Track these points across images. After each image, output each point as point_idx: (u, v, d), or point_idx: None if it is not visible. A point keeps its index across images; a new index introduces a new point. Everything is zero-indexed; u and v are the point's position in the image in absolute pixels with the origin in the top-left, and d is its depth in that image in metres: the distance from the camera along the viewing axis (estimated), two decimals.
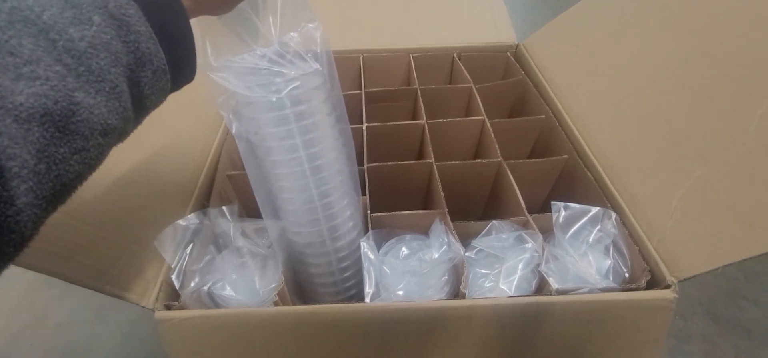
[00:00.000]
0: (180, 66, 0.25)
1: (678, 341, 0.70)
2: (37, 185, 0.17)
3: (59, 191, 0.19)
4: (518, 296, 0.34)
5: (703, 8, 0.41)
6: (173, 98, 0.47)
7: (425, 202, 0.51)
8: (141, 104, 0.23)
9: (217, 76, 0.30)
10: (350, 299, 0.39)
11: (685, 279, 0.34)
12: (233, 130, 0.33)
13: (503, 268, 0.37)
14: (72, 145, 0.18)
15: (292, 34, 0.32)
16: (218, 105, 0.32)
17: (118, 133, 0.22)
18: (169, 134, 0.45)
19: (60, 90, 0.18)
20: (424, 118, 0.51)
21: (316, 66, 0.32)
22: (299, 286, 0.40)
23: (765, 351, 0.69)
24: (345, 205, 0.36)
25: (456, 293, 0.36)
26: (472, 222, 0.40)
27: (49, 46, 0.18)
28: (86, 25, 0.19)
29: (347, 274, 0.38)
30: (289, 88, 0.31)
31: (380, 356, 0.35)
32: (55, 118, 0.17)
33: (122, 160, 0.38)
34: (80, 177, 0.20)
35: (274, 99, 0.31)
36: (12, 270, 0.28)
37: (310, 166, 0.33)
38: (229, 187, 0.46)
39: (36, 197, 0.17)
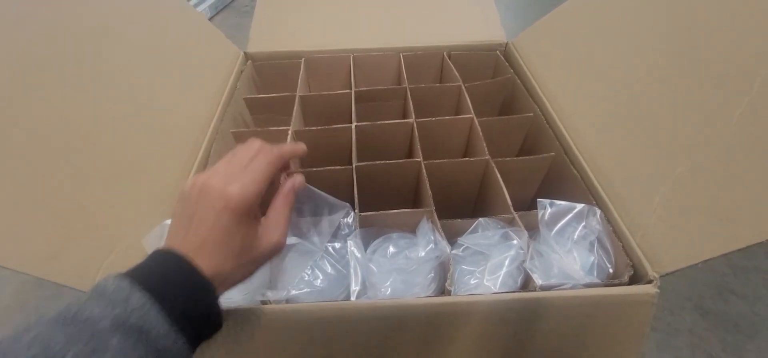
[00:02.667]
0: (204, 335, 0.27)
1: (666, 336, 0.71)
2: None
3: None
4: (502, 293, 0.35)
5: (688, 8, 0.42)
6: (164, 98, 0.48)
7: (414, 200, 0.52)
8: None
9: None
10: None
11: (666, 274, 0.35)
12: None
13: (488, 265, 0.37)
14: None
15: (335, 244, 0.38)
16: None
17: None
18: (158, 133, 0.45)
19: None
20: (413, 117, 0.52)
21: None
22: None
23: (752, 345, 0.70)
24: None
25: (442, 291, 0.36)
26: (458, 220, 0.40)
27: None
28: (102, 352, 0.22)
29: None
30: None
31: (366, 353, 0.35)
32: None
33: (109, 158, 0.38)
34: None
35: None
36: (4, 271, 0.28)
37: None
38: None
39: None
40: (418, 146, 0.48)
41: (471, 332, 0.35)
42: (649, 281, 0.35)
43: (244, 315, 0.33)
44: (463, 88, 0.56)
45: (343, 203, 0.39)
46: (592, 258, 0.38)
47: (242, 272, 0.29)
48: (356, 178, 0.44)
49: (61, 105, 0.36)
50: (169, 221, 0.37)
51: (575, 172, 0.45)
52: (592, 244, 0.39)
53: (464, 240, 0.39)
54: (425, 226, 0.39)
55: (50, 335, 0.21)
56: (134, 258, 0.35)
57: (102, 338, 0.22)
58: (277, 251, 0.31)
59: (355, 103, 0.55)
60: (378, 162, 0.46)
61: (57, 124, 0.35)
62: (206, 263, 0.27)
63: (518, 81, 0.59)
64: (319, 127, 0.50)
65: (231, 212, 0.28)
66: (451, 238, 0.39)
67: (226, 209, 0.28)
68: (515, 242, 0.38)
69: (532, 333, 0.35)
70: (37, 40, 0.37)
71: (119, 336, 0.22)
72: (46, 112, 0.35)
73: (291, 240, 0.37)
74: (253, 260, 0.29)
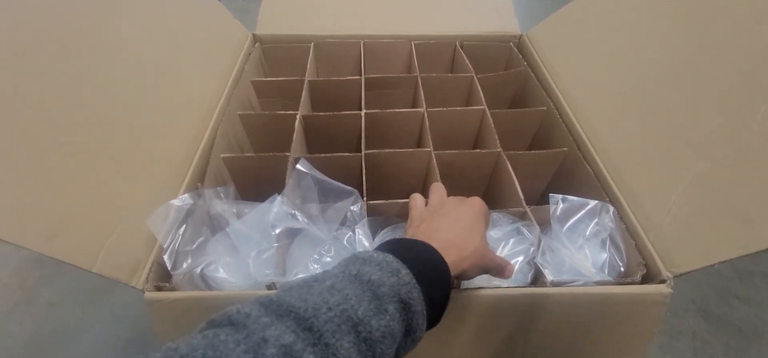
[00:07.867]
0: (433, 322, 0.28)
1: (669, 338, 0.71)
2: None
3: None
4: (513, 288, 0.34)
5: (709, 3, 0.41)
6: (171, 76, 0.47)
7: (423, 191, 0.51)
8: None
9: None
10: None
11: (680, 275, 0.34)
12: None
13: None
14: None
15: (344, 231, 0.38)
16: None
17: None
18: (164, 112, 0.44)
19: None
20: (424, 106, 0.51)
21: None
22: None
23: (755, 350, 0.70)
24: None
25: None
26: None
27: (356, 339, 0.22)
28: (383, 315, 0.23)
29: None
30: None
31: None
32: None
33: (115, 138, 0.37)
34: None
35: None
36: (4, 248, 0.27)
37: None
38: (223, 169, 0.46)
39: None
40: (428, 136, 0.47)
41: (479, 324, 0.34)
42: (662, 281, 0.34)
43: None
44: (476, 79, 0.55)
45: (351, 189, 0.38)
46: (604, 256, 0.37)
47: (469, 274, 0.31)
48: (365, 165, 0.44)
49: (67, 81, 0.35)
50: (175, 202, 0.36)
51: (588, 167, 0.45)
52: (604, 241, 0.38)
53: None
54: None
55: (346, 288, 0.23)
56: (138, 238, 0.35)
57: (383, 302, 0.23)
58: (497, 270, 0.32)
59: (365, 90, 0.54)
60: (387, 150, 0.45)
61: (62, 100, 0.34)
62: (449, 259, 0.28)
63: (532, 74, 0.58)
64: (328, 113, 0.50)
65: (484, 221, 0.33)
66: None
67: (480, 218, 0.32)
68: (527, 236, 0.37)
69: (542, 329, 0.35)
70: (43, 16, 0.36)
71: (395, 305, 0.24)
72: (51, 88, 0.34)
73: (298, 227, 0.37)
74: (480, 267, 0.31)
